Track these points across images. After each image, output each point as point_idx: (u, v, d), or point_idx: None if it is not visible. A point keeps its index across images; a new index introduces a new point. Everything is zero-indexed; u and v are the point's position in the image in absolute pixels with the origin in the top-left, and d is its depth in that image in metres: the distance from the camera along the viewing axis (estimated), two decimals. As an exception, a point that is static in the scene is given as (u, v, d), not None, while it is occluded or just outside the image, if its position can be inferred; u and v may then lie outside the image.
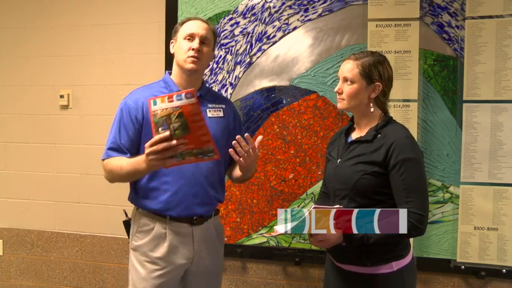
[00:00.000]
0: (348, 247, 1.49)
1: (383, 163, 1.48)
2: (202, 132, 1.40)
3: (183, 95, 1.36)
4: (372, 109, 1.57)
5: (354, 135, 1.63)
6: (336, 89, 1.60)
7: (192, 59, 1.68)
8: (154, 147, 1.41)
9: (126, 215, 1.86)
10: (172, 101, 1.37)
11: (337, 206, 1.48)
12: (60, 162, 2.71)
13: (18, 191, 2.78)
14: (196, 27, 1.71)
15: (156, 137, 1.40)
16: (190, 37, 1.69)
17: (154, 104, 1.39)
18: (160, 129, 1.39)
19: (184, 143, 1.39)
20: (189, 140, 1.39)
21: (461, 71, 2.13)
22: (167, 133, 1.38)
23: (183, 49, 1.69)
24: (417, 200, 1.45)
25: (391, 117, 1.61)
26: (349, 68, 1.56)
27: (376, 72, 1.54)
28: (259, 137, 1.62)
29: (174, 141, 1.38)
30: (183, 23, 1.75)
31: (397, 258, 1.52)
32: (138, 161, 1.56)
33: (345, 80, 1.56)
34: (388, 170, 1.48)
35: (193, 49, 1.67)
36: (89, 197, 2.66)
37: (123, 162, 1.63)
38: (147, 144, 1.44)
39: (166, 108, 1.37)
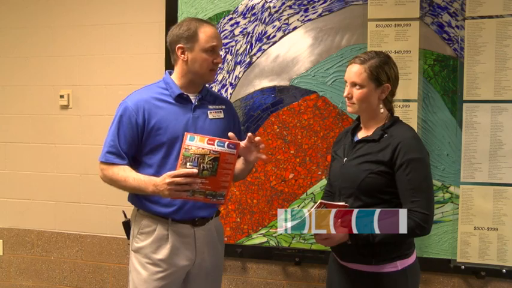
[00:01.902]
0: (352, 245, 1.49)
1: (389, 162, 1.49)
2: (225, 179, 1.49)
3: (226, 144, 1.46)
4: (382, 110, 1.58)
5: (360, 135, 1.64)
6: (344, 94, 1.59)
7: (214, 72, 1.73)
8: (178, 179, 1.47)
9: (125, 216, 1.86)
10: (212, 144, 1.46)
11: (343, 203, 1.49)
12: (60, 162, 2.71)
13: (18, 191, 2.78)
14: (218, 39, 1.71)
15: (183, 171, 1.46)
16: (213, 49, 1.69)
17: (191, 139, 1.47)
18: (188, 164, 1.46)
19: (204, 183, 1.47)
20: (210, 181, 1.47)
21: (461, 71, 2.13)
22: (195, 170, 1.45)
23: (206, 62, 1.69)
24: (423, 200, 1.46)
25: (398, 117, 1.62)
26: (356, 72, 1.55)
27: (384, 74, 1.54)
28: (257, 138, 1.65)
29: (199, 180, 1.46)
30: (197, 30, 1.68)
31: (402, 257, 1.53)
32: (146, 183, 1.59)
33: (354, 84, 1.56)
34: (394, 170, 1.49)
35: (217, 63, 1.71)
36: (89, 197, 2.66)
37: (129, 176, 1.63)
38: (170, 174, 1.49)
39: (203, 148, 1.45)
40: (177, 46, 1.70)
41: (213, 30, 1.70)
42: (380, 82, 1.54)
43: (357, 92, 1.55)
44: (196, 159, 1.45)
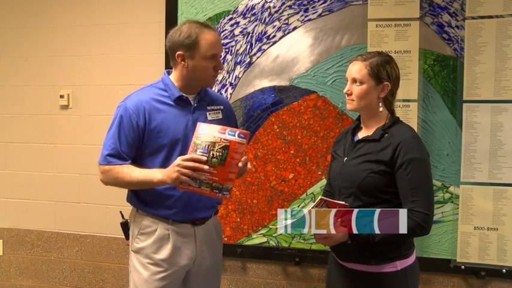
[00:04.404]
0: (352, 245, 1.49)
1: (390, 162, 1.50)
2: (233, 170, 1.49)
3: (237, 133, 1.47)
4: (381, 109, 1.58)
5: (361, 135, 1.64)
6: (345, 90, 1.60)
7: (215, 77, 1.72)
8: (187, 163, 1.47)
9: (123, 216, 1.85)
10: (223, 133, 1.47)
11: (343, 202, 1.49)
12: (60, 162, 2.71)
13: (18, 191, 2.78)
14: (219, 45, 1.70)
15: (193, 155, 1.48)
16: (214, 57, 1.67)
17: (203, 128, 1.50)
18: (198, 151, 1.48)
19: (212, 173, 1.47)
20: (218, 172, 1.47)
21: (461, 71, 2.13)
22: (204, 158, 1.46)
23: (208, 70, 1.66)
24: (423, 200, 1.46)
25: (398, 118, 1.63)
26: (357, 68, 1.56)
27: (384, 72, 1.55)
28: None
29: (206, 167, 1.46)
30: (198, 37, 1.63)
31: (402, 257, 1.53)
32: (154, 172, 1.59)
33: (354, 81, 1.57)
34: (394, 169, 1.49)
35: (218, 69, 1.70)
36: (89, 197, 2.66)
37: (132, 170, 1.62)
38: (180, 157, 1.50)
39: (214, 136, 1.47)
40: (177, 53, 1.66)
41: (214, 37, 1.66)
42: (380, 80, 1.55)
43: (356, 89, 1.56)
44: (206, 146, 1.46)
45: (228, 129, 1.48)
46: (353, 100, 1.58)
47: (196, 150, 1.48)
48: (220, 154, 1.46)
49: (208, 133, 1.48)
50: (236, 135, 1.47)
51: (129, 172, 1.62)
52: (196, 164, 1.46)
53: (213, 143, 1.46)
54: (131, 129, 1.65)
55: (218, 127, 1.49)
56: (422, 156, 1.50)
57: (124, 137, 1.65)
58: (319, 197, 1.46)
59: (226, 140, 1.46)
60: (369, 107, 1.58)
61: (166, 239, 1.69)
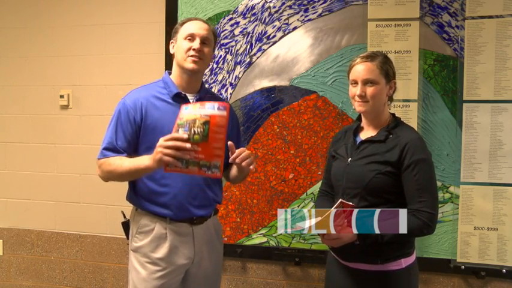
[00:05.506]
0: (356, 245, 1.49)
1: (396, 163, 1.51)
2: (218, 146, 1.44)
3: (216, 105, 1.42)
4: (389, 106, 1.62)
5: (363, 135, 1.64)
6: (358, 93, 1.56)
7: (193, 58, 1.67)
8: (168, 143, 1.43)
9: (124, 216, 1.86)
10: (203, 108, 1.42)
11: (350, 203, 1.49)
12: (60, 162, 2.71)
13: (18, 191, 2.78)
14: (197, 27, 1.70)
15: (174, 134, 1.43)
16: (191, 37, 1.68)
17: (186, 109, 1.45)
18: (180, 130, 1.43)
19: (196, 151, 1.43)
20: (202, 149, 1.43)
21: (461, 71, 2.13)
22: (185, 136, 1.42)
23: (183, 49, 1.68)
24: (429, 200, 1.48)
25: (400, 118, 1.64)
26: (367, 69, 1.55)
27: (391, 70, 1.59)
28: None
29: (188, 145, 1.41)
30: (183, 23, 1.74)
31: (405, 255, 1.54)
32: (142, 158, 1.57)
33: (366, 82, 1.55)
34: (400, 170, 1.51)
35: (194, 49, 1.66)
36: (89, 197, 2.67)
37: (124, 161, 1.63)
38: (161, 138, 1.46)
39: (195, 114, 1.42)
40: (170, 42, 1.77)
41: (195, 22, 1.72)
42: (389, 78, 1.58)
43: (370, 89, 1.55)
44: (187, 124, 1.43)
45: (207, 103, 1.44)
46: (367, 101, 1.56)
47: (178, 130, 1.44)
48: (202, 130, 1.42)
49: (189, 112, 1.45)
50: (216, 108, 1.43)
51: (120, 163, 1.62)
52: (178, 143, 1.42)
53: (194, 120, 1.42)
54: (128, 124, 1.67)
55: (198, 104, 1.46)
56: (427, 157, 1.53)
57: (121, 132, 1.67)
58: (339, 200, 1.45)
59: (206, 114, 1.42)
60: (379, 107, 1.58)
61: (163, 238, 1.69)
